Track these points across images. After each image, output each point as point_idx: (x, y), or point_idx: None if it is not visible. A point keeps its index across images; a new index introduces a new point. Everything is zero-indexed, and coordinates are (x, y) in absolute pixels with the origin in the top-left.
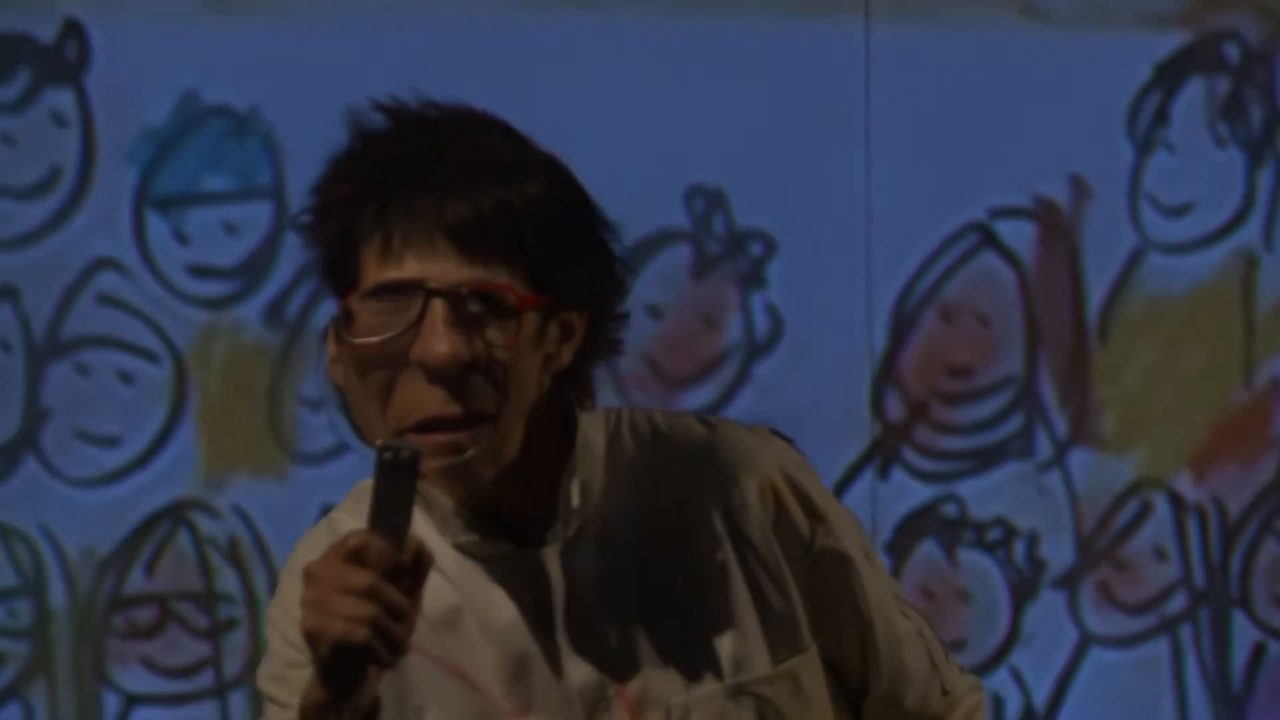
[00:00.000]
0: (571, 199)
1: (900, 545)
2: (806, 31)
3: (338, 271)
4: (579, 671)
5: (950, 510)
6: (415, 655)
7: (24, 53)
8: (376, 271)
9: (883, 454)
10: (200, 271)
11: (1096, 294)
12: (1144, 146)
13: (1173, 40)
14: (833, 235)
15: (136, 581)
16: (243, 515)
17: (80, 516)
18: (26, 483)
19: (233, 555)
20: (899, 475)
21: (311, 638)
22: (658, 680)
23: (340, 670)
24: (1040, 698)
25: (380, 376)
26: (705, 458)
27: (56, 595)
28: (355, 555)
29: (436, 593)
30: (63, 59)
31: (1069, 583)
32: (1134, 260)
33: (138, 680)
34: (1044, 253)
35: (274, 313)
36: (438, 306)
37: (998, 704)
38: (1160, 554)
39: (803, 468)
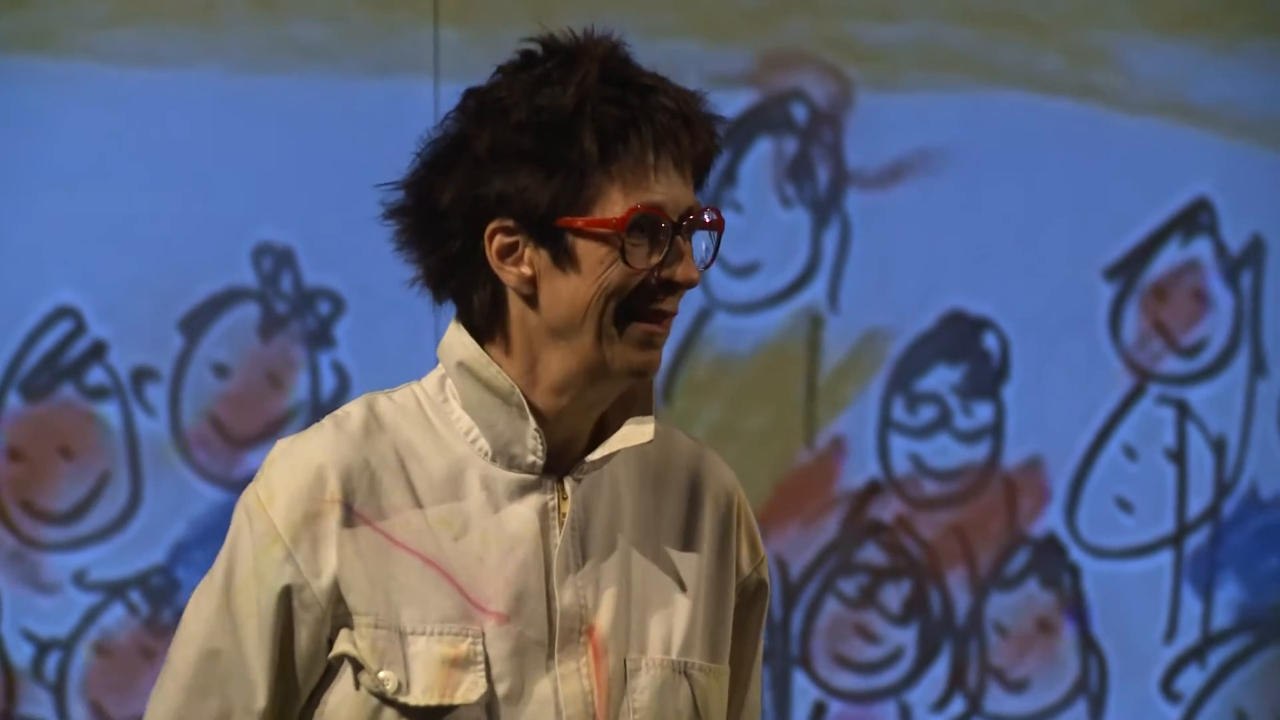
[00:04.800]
0: None
1: None
2: (376, 90)
3: (557, 187)
4: (566, 595)
5: None
6: (403, 551)
7: None
8: (633, 192)
9: None
10: None
11: (664, 354)
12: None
13: (741, 100)
14: (401, 295)
15: None
16: None
17: None
18: None
19: None
20: None
21: None
22: (619, 632)
23: None
24: None
25: (623, 284)
26: (698, 463)
27: None
28: None
29: (452, 499)
30: None
31: None
32: (700, 320)
33: None
34: None
35: None
36: (682, 239)
37: None
38: None
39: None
